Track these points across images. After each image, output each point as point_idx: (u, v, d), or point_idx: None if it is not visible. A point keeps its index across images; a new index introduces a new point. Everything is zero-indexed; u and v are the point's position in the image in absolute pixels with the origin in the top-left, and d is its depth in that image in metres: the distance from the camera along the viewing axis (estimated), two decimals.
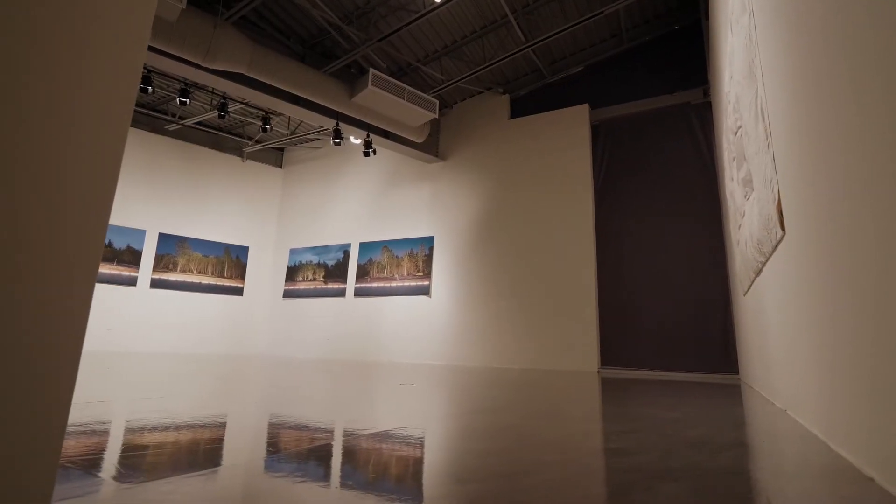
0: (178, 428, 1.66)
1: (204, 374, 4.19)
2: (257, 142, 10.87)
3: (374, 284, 9.32)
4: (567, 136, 7.70)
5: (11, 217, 0.75)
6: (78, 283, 0.83)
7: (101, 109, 0.87)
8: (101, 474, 1.06)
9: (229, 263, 10.41)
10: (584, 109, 7.65)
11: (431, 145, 9.00)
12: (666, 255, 6.79)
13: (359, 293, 9.50)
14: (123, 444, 1.39)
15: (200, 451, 1.34)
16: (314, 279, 10.23)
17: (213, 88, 8.62)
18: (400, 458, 1.36)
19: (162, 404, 2.22)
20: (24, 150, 0.76)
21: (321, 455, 1.36)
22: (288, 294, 10.59)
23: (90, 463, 1.15)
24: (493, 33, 7.35)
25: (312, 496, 0.97)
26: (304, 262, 10.53)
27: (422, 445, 1.55)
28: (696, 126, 6.90)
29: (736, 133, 3.23)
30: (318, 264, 10.26)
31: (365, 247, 9.65)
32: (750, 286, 3.64)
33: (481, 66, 7.59)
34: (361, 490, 1.03)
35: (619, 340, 6.90)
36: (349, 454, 1.39)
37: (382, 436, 1.66)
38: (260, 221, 11.11)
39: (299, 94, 7.08)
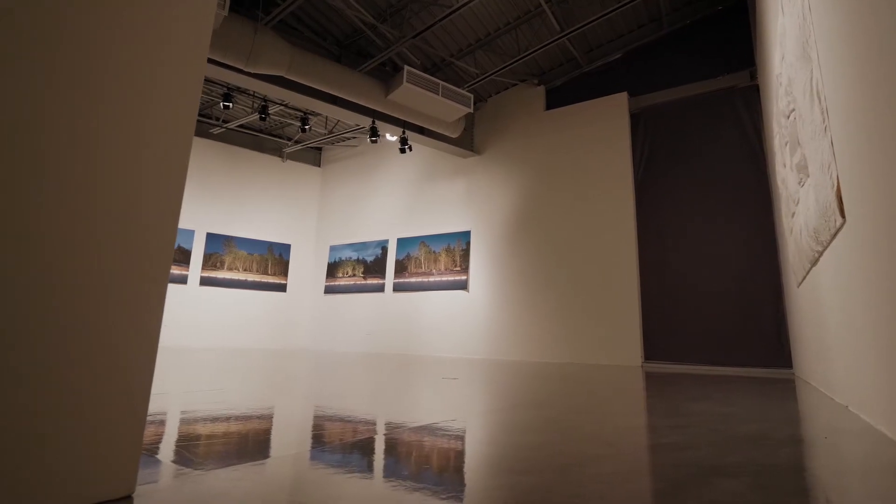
0: (237, 419, 1.75)
1: (253, 368, 4.36)
2: (296, 142, 11.14)
3: (412, 279, 9.42)
4: (605, 126, 7.53)
5: (106, 226, 0.82)
6: (156, 282, 0.89)
7: (170, 124, 0.92)
8: (175, 462, 1.13)
9: (273, 261, 10.76)
10: (622, 98, 7.45)
11: (466, 140, 8.99)
12: (712, 245, 6.55)
13: (397, 288, 9.63)
14: (191, 434, 1.47)
15: (260, 441, 1.40)
16: (353, 275, 10.43)
17: (254, 92, 8.89)
18: (451, 450, 1.38)
19: (219, 396, 2.34)
20: (117, 166, 0.83)
21: (384, 448, 1.40)
22: (329, 290, 10.85)
23: (164, 451, 1.23)
24: (527, 24, 7.26)
25: (384, 488, 1.01)
26: (343, 258, 10.75)
27: (471, 438, 1.57)
28: (742, 111, 6.61)
29: (788, 117, 3.08)
30: (357, 260, 10.45)
31: (402, 242, 9.76)
32: (805, 277, 3.48)
33: (516, 58, 7.51)
34: (420, 481, 1.06)
35: (663, 334, 6.73)
36: (403, 447, 1.43)
37: (431, 428, 1.69)
38: (300, 219, 11.41)
39: (336, 94, 7.21)
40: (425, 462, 1.23)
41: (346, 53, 7.62)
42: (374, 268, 10.11)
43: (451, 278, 8.85)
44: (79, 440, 0.78)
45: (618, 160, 7.33)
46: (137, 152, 0.87)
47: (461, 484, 1.04)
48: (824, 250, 2.51)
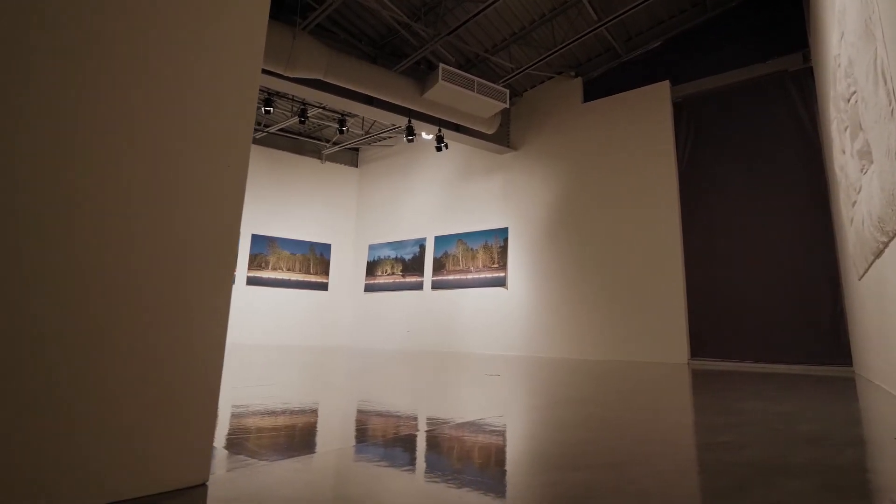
0: (290, 413, 1.81)
1: (299, 365, 4.49)
2: (334, 143, 11.36)
3: (451, 277, 9.46)
4: (647, 116, 7.32)
5: (182, 233, 0.87)
6: (222, 284, 0.93)
7: (233, 136, 0.97)
8: (241, 453, 1.19)
9: (314, 260, 11.04)
10: (664, 87, 7.22)
11: (503, 135, 8.94)
12: (763, 236, 6.27)
13: (436, 286, 9.69)
14: (250, 427, 1.54)
15: (315, 435, 1.45)
16: (392, 273, 10.57)
17: (293, 96, 9.12)
18: (498, 445, 1.39)
19: (270, 392, 2.43)
20: (191, 178, 0.88)
21: (437, 444, 1.42)
22: (368, 288, 11.03)
23: (230, 443, 1.29)
24: (563, 15, 7.13)
25: (440, 484, 1.03)
26: (382, 257, 10.90)
27: (517, 434, 1.57)
28: (794, 95, 6.28)
29: (849, 100, 2.91)
30: (396, 259, 10.58)
31: (440, 240, 9.81)
32: (867, 269, 3.28)
33: (552, 51, 7.39)
34: (471, 477, 1.07)
35: (710, 330, 6.50)
36: (451, 442, 1.44)
37: (477, 424, 1.70)
38: (340, 219, 11.65)
39: (373, 95, 7.30)
40: (474, 457, 1.24)
41: (381, 54, 7.71)
42: (413, 266, 10.20)
43: (489, 275, 8.84)
44: (161, 432, 0.83)
45: (660, 151, 7.11)
46: (210, 162, 0.92)
47: (512, 479, 1.05)
48: (890, 241, 2.37)
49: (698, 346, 6.52)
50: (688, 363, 6.36)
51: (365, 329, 10.89)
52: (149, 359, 0.84)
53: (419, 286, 10.00)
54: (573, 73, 8.30)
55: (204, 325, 0.90)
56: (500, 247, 8.76)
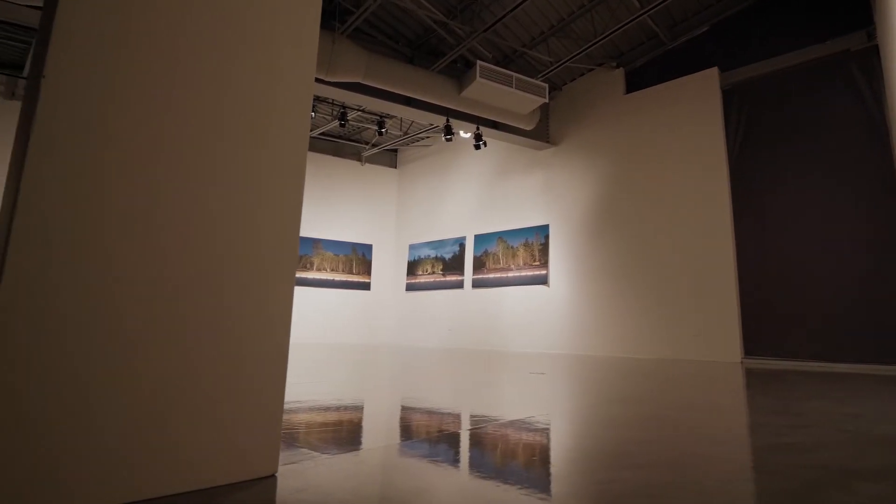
0: (345, 409, 1.86)
1: (346, 363, 4.60)
2: (373, 145, 11.54)
3: (491, 275, 9.43)
4: (694, 106, 7.05)
5: (254, 238, 0.92)
6: (285, 285, 0.98)
7: (294, 146, 1.01)
8: (304, 447, 1.24)
9: (356, 260, 11.26)
10: (712, 74, 6.93)
11: (542, 131, 8.82)
12: (823, 228, 5.92)
13: (476, 284, 9.68)
14: (308, 422, 1.59)
15: (371, 430, 1.49)
16: (433, 272, 10.64)
17: (332, 100, 9.32)
18: (552, 443, 1.38)
19: (323, 388, 2.50)
20: (260, 183, 0.93)
21: (496, 441, 1.43)
22: (410, 287, 11.15)
23: (290, 437, 1.34)
24: (603, 4, 6.96)
25: (503, 482, 1.03)
26: (422, 256, 10.99)
27: (570, 432, 1.55)
28: (857, 76, 5.89)
29: None
30: (436, 258, 10.64)
31: (480, 239, 9.79)
32: None
33: (592, 42, 7.23)
34: (530, 475, 1.07)
35: (765, 328, 6.19)
36: (505, 441, 1.45)
37: (528, 422, 1.69)
38: (380, 220, 11.83)
39: (411, 96, 7.36)
40: (530, 455, 1.24)
41: (418, 54, 7.76)
42: (453, 265, 10.23)
43: (530, 273, 8.75)
44: (238, 426, 0.88)
45: (709, 141, 6.83)
46: (276, 169, 0.96)
47: (569, 477, 1.04)
48: None
49: (752, 343, 6.24)
50: (741, 362, 6.10)
51: (407, 328, 11.02)
52: (229, 357, 0.89)
53: (460, 285, 10.02)
54: (614, 64, 8.09)
55: (273, 326, 0.94)
56: (541, 244, 8.65)
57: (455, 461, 1.14)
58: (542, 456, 1.23)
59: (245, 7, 0.96)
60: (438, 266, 10.54)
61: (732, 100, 6.88)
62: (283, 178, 1.00)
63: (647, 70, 7.77)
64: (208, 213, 0.89)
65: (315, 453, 1.16)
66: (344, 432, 1.43)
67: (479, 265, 9.70)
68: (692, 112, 7.04)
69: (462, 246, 10.13)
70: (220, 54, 0.93)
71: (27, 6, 5.39)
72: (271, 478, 0.94)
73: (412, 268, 11.19)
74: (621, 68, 8.03)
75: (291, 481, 0.93)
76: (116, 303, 0.79)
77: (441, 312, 10.28)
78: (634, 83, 7.88)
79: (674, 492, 0.94)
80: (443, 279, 10.37)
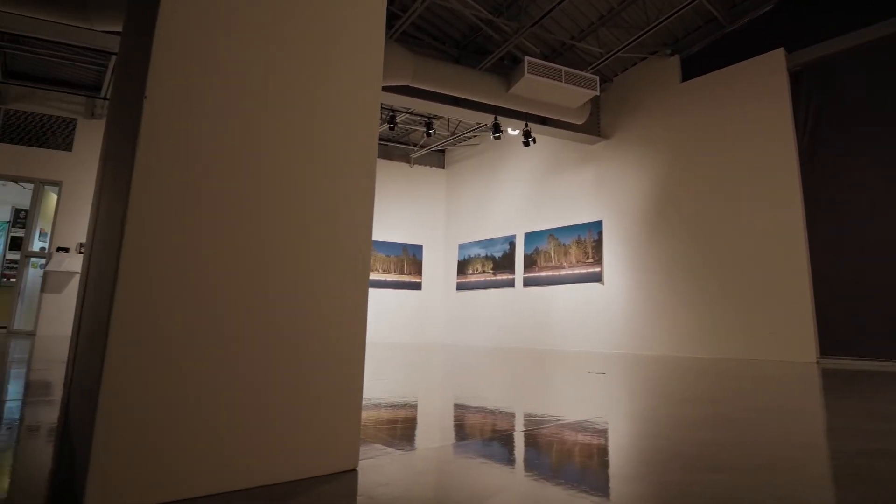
0: (412, 406, 1.89)
1: (403, 361, 4.67)
2: (422, 147, 11.66)
3: (542, 274, 9.30)
4: (757, 90, 6.65)
5: (333, 242, 0.96)
6: (361, 286, 1.01)
7: (366, 152, 1.05)
8: (377, 443, 1.27)
9: (407, 261, 11.42)
10: (778, 55, 6.52)
11: (593, 125, 8.61)
12: None
13: (528, 283, 9.58)
14: (380, 419, 1.63)
15: (438, 428, 1.50)
16: (483, 271, 10.62)
17: (381, 103, 9.50)
18: (623, 442, 1.34)
19: (386, 386, 2.55)
20: (339, 189, 0.97)
21: (563, 442, 1.41)
22: (460, 287, 11.18)
23: (365, 433, 1.38)
24: None
25: (576, 481, 1.02)
26: (472, 255, 11.00)
27: (640, 432, 1.50)
28: None
29: None
30: (486, 257, 10.62)
31: (530, 237, 9.68)
32: None
33: (644, 30, 6.98)
34: (609, 475, 1.05)
35: (844, 325, 5.75)
36: (574, 442, 1.42)
37: (595, 423, 1.65)
38: (429, 220, 11.94)
39: (458, 95, 7.38)
40: (604, 456, 1.21)
41: (464, 54, 7.77)
42: (503, 263, 10.17)
43: (583, 271, 8.56)
44: (323, 422, 0.92)
45: (775, 127, 6.43)
46: (352, 176, 1.00)
47: (647, 477, 1.01)
48: None
49: (829, 342, 5.81)
50: (817, 361, 5.70)
51: (458, 326, 11.06)
52: (316, 357, 0.93)
53: (510, 283, 9.95)
54: (669, 52, 7.77)
55: (353, 326, 0.97)
56: (595, 241, 8.44)
57: (524, 461, 1.13)
58: (618, 455, 1.20)
59: (320, 23, 1.00)
60: (489, 265, 10.51)
61: (801, 83, 6.44)
62: (360, 183, 1.03)
63: (705, 56, 7.41)
64: (297, 219, 0.94)
65: (389, 449, 1.18)
66: (413, 429, 1.46)
67: (529, 263, 9.59)
68: (756, 97, 6.65)
69: (512, 244, 10.05)
70: (301, 69, 0.97)
71: (103, 31, 5.83)
72: (352, 472, 0.97)
73: (462, 267, 11.22)
74: (676, 55, 7.70)
75: (372, 476, 0.95)
76: (217, 306, 0.84)
77: (492, 311, 10.25)
78: (691, 70, 7.54)
79: (764, 498, 0.89)
80: (493, 278, 10.34)
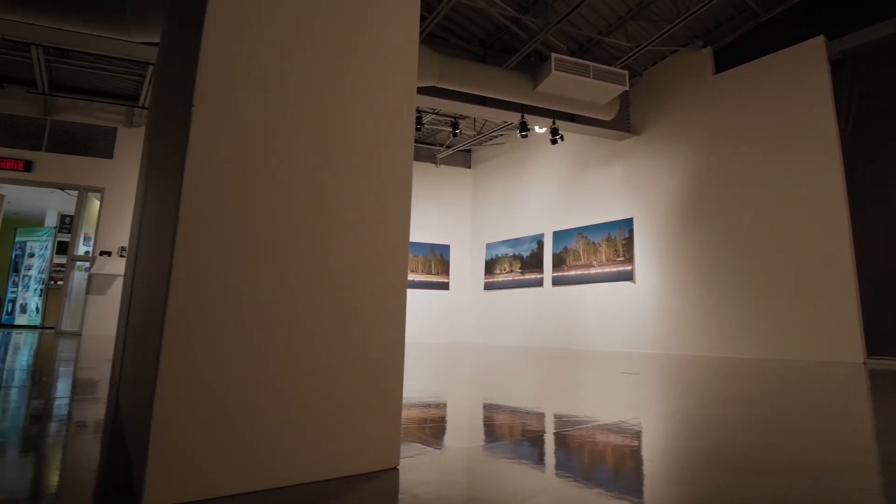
0: (446, 405, 1.90)
1: (434, 361, 4.69)
2: (448, 147, 11.67)
3: (572, 273, 9.18)
4: (796, 81, 6.41)
5: (373, 242, 0.98)
6: (400, 286, 1.02)
7: (404, 155, 1.06)
8: (415, 442, 1.28)
9: (435, 261, 11.46)
10: (818, 43, 6.26)
11: (622, 120, 8.46)
12: None
13: (556, 282, 9.48)
14: (415, 418, 1.65)
15: (475, 427, 1.50)
16: (511, 271, 10.56)
17: None
18: (666, 444, 1.31)
19: (418, 385, 2.56)
20: (380, 192, 0.99)
21: (611, 445, 1.40)
22: (488, 286, 11.15)
23: (403, 432, 1.39)
24: None
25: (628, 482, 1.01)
26: (499, 255, 10.96)
27: (679, 433, 1.47)
28: None
29: None
30: (514, 256, 10.56)
31: (558, 235, 9.58)
32: None
33: (675, 22, 6.81)
34: (651, 478, 1.03)
35: (893, 324, 5.49)
36: (615, 444, 1.40)
37: (633, 424, 1.63)
38: (456, 220, 11.95)
39: (485, 95, 7.36)
40: (643, 458, 1.19)
41: (490, 53, 7.75)
42: (531, 263, 10.10)
43: (613, 269, 8.42)
44: (365, 420, 0.94)
45: (816, 118, 6.18)
46: (392, 178, 1.01)
47: (693, 478, 0.98)
48: None
49: (877, 342, 5.55)
50: (864, 362, 5.45)
51: (486, 326, 11.03)
52: (358, 356, 0.95)
53: (539, 283, 9.86)
54: (701, 43, 7.56)
55: (393, 324, 0.99)
56: (625, 239, 8.29)
57: (561, 462, 1.12)
58: (653, 458, 1.17)
59: (358, 30, 1.02)
60: (516, 264, 10.45)
61: (842, 70, 6.18)
62: (399, 185, 1.04)
63: (739, 46, 7.19)
64: (339, 220, 0.96)
65: (427, 448, 1.19)
66: (449, 429, 1.46)
67: (558, 262, 9.48)
68: (795, 88, 6.41)
69: (540, 243, 9.96)
70: (343, 73, 0.99)
71: (141, 43, 6.05)
72: (394, 470, 0.98)
73: (490, 267, 11.19)
74: (709, 47, 7.49)
75: (413, 474, 0.96)
76: (264, 306, 0.86)
77: (520, 311, 10.19)
78: (724, 62, 7.32)
79: (815, 502, 0.86)
80: (521, 277, 10.27)
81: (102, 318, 8.88)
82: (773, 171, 6.50)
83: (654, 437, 1.43)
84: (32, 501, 0.77)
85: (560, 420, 1.66)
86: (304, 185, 0.92)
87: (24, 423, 1.38)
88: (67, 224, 12.66)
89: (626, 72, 7.15)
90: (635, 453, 1.22)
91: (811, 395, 2.47)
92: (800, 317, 6.04)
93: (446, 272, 11.54)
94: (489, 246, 11.30)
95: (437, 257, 11.51)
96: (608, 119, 8.12)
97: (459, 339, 11.39)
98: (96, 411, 1.60)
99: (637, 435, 1.44)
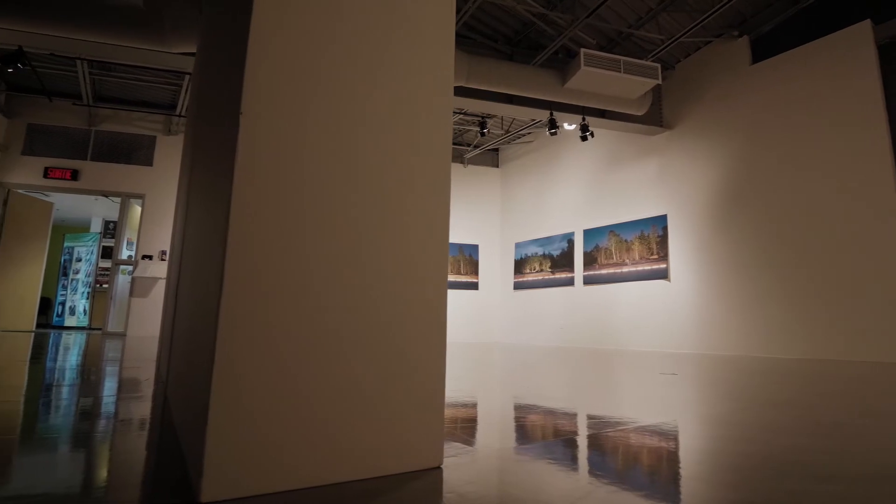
0: (483, 406, 1.89)
1: (467, 360, 4.69)
2: (475, 147, 11.65)
3: (603, 271, 9.02)
4: (840, 68, 6.13)
5: (417, 244, 0.99)
6: (441, 287, 1.02)
7: (442, 156, 1.06)
8: (456, 441, 1.28)
9: (464, 261, 11.45)
10: (864, 28, 5.97)
11: (654, 115, 8.26)
12: None
13: (587, 281, 9.33)
14: (454, 417, 1.65)
15: (515, 427, 1.49)
16: (541, 270, 10.46)
17: None
18: (717, 447, 1.27)
19: (457, 384, 2.57)
20: (421, 193, 1.00)
21: (657, 448, 1.37)
22: (518, 286, 11.08)
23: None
24: None
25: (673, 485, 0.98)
26: (529, 254, 10.86)
27: (730, 436, 1.42)
28: None
29: None
30: (544, 255, 10.45)
31: (589, 234, 9.43)
32: None
33: (709, 12, 6.62)
34: (716, 479, 1.00)
35: None
36: (668, 444, 1.37)
37: (674, 426, 1.58)
38: (484, 220, 11.91)
39: (513, 93, 7.32)
40: (693, 461, 1.15)
41: (517, 51, 7.69)
42: (562, 262, 9.97)
43: (647, 267, 8.23)
44: (409, 419, 0.95)
45: (863, 106, 5.89)
46: (431, 178, 1.02)
47: (748, 483, 0.95)
48: None
49: None
50: None
51: (516, 326, 10.95)
52: (404, 355, 0.96)
53: (570, 282, 9.73)
54: (736, 33, 7.32)
55: (436, 324, 0.99)
56: (659, 236, 8.09)
57: (605, 465, 1.10)
58: (703, 462, 1.14)
59: (396, 37, 1.03)
60: (546, 263, 10.34)
61: (891, 55, 5.87)
62: (440, 187, 1.05)
63: (777, 35, 6.92)
64: (383, 222, 0.97)
65: (468, 448, 1.19)
66: (488, 428, 1.46)
67: (589, 261, 9.34)
68: (840, 75, 6.13)
69: (570, 242, 9.83)
70: (387, 76, 1.00)
71: (178, 53, 6.26)
72: (437, 469, 0.98)
73: (519, 266, 11.11)
74: (745, 37, 7.24)
75: (457, 473, 0.96)
76: (316, 308, 0.88)
77: (551, 310, 10.07)
78: (762, 51, 7.06)
79: None
80: (551, 276, 10.16)
81: (145, 319, 9.24)
82: (817, 163, 6.23)
83: (703, 440, 1.38)
84: (92, 494, 0.81)
85: (600, 421, 1.63)
86: (350, 187, 0.93)
87: (77, 420, 1.44)
88: (111, 229, 13.23)
89: (659, 65, 6.98)
90: (683, 456, 1.19)
91: (863, 397, 2.36)
92: (848, 315, 5.77)
93: (475, 272, 11.52)
94: (518, 245, 11.22)
95: (466, 257, 11.50)
96: (640, 114, 7.95)
97: (489, 339, 11.35)
98: (144, 409, 1.66)
99: (683, 437, 1.40)
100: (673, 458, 1.16)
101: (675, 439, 1.37)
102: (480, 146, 11.58)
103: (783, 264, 6.44)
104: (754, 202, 6.85)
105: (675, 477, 1.00)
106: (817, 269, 6.09)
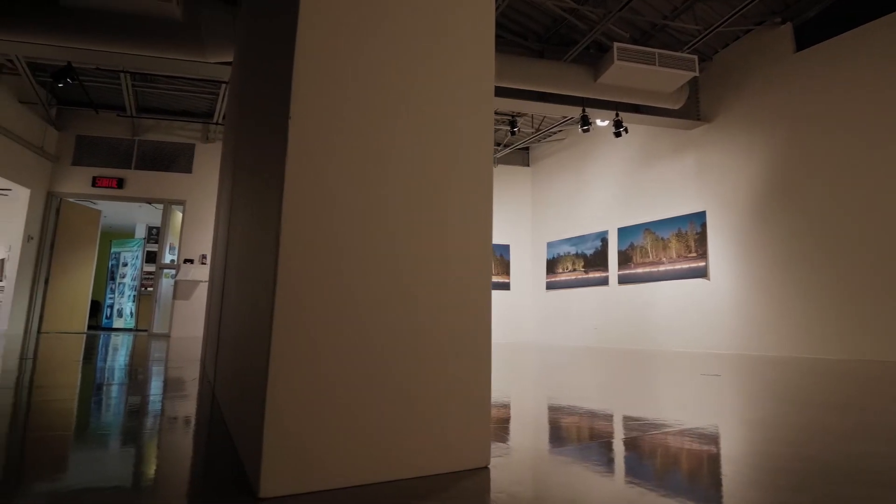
0: (525, 406, 1.88)
1: (504, 362, 4.66)
2: (505, 146, 11.59)
3: (639, 270, 8.82)
4: (893, 54, 5.81)
5: (462, 244, 0.99)
6: (486, 287, 1.02)
7: (484, 159, 1.06)
8: (500, 442, 1.27)
9: (495, 261, 11.40)
10: None
11: (691, 108, 8.03)
12: None
13: (623, 280, 9.14)
14: (499, 417, 1.64)
15: (561, 428, 1.47)
16: (574, 270, 10.31)
17: None
18: (771, 450, 1.22)
19: (496, 385, 2.55)
20: (466, 196, 1.01)
21: (706, 452, 1.33)
22: (550, 286, 10.95)
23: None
24: None
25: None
26: (561, 254, 10.73)
27: (782, 439, 1.36)
28: None
29: None
30: (577, 255, 10.30)
31: (624, 232, 9.23)
32: None
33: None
34: (772, 482, 0.96)
35: None
36: (717, 447, 1.32)
37: (719, 428, 1.53)
38: (516, 219, 11.83)
39: (544, 90, 7.24)
40: (745, 465, 1.11)
41: (548, 47, 7.61)
42: (595, 261, 9.80)
43: (685, 266, 8.00)
44: (460, 419, 0.95)
45: None
46: (476, 181, 1.02)
47: (804, 485, 0.90)
48: None
49: None
50: None
51: (549, 326, 10.83)
52: (454, 355, 0.97)
53: (604, 281, 9.56)
54: (778, 20, 7.03)
55: (482, 324, 0.99)
56: (697, 233, 7.85)
57: (653, 468, 1.07)
58: (756, 465, 1.09)
59: (441, 39, 1.03)
60: (579, 263, 10.18)
61: None
62: (483, 189, 1.05)
63: (823, 20, 6.61)
64: (433, 226, 0.98)
65: (514, 448, 1.18)
66: (533, 430, 1.44)
67: (624, 260, 9.15)
68: (891, 62, 5.80)
69: (604, 241, 9.65)
70: (429, 79, 1.01)
71: (215, 63, 6.47)
72: (485, 469, 0.97)
73: (551, 266, 10.98)
74: (788, 23, 6.95)
75: (504, 474, 0.95)
76: (361, 312, 0.89)
77: (584, 310, 9.91)
78: (806, 38, 6.76)
79: None
80: (585, 276, 10.00)
81: (188, 321, 9.58)
82: (867, 156, 5.92)
83: (755, 443, 1.33)
84: (149, 490, 0.84)
85: (646, 423, 1.59)
86: (398, 191, 0.94)
87: (127, 418, 1.50)
88: (154, 235, 13.78)
89: (696, 56, 6.78)
90: (734, 459, 1.14)
91: None
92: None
93: (507, 272, 11.45)
94: (550, 245, 11.09)
95: (497, 257, 11.45)
96: (676, 107, 7.74)
97: (523, 339, 11.26)
98: (190, 407, 1.71)
99: (735, 441, 1.35)
100: (726, 460, 1.12)
101: (726, 442, 1.32)
102: (511, 145, 11.51)
103: (828, 262, 6.14)
104: (798, 197, 6.56)
105: (729, 480, 0.96)
106: (864, 267, 5.78)
